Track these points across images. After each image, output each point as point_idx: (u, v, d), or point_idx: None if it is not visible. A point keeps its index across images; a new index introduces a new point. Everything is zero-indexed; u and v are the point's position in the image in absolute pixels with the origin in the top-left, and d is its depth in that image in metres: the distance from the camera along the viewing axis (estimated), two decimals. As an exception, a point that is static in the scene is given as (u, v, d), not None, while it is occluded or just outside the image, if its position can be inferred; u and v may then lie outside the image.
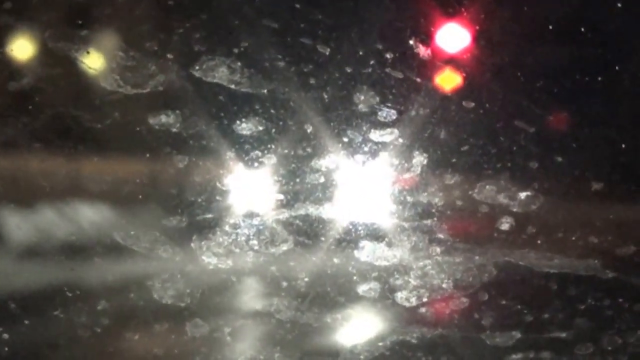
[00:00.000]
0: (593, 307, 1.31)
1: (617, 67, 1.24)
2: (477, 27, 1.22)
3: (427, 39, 1.20)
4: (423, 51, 1.19)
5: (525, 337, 1.30)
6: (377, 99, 1.20)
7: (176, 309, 1.24)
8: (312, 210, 1.21)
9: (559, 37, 1.24)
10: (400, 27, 1.20)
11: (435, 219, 1.23)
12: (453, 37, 1.22)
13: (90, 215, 1.22)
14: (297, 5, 1.19)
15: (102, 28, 1.18)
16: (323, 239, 1.23)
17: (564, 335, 1.31)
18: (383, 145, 1.21)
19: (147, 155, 1.20)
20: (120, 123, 1.19)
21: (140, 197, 1.21)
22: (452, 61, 1.22)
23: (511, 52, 1.22)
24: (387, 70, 1.19)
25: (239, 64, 1.17)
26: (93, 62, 1.18)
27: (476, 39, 1.22)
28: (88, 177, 1.21)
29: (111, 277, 1.24)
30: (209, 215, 1.21)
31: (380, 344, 1.29)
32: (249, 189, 1.21)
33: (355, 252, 1.24)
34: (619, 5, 1.24)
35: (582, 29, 1.24)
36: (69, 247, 1.23)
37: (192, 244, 1.21)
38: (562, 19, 1.24)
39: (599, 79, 1.24)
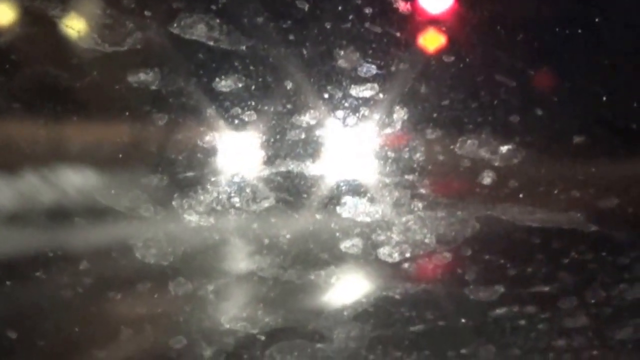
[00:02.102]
0: (576, 261, 1.44)
1: (597, 20, 1.37)
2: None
3: (407, -7, 1.33)
4: (403, 5, 1.33)
5: (508, 292, 1.44)
6: (357, 54, 1.32)
7: (159, 268, 1.37)
8: (293, 167, 1.35)
9: (539, -10, 1.37)
10: (380, -18, 1.33)
11: (416, 174, 1.36)
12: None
13: (70, 175, 1.34)
14: (275, -40, 1.30)
15: (79, -15, 1.29)
16: (305, 195, 1.36)
17: (547, 289, 1.44)
18: (364, 100, 1.34)
19: (127, 113, 1.32)
20: (99, 82, 1.31)
21: (120, 156, 1.33)
22: (433, 15, 1.34)
23: (491, 6, 1.35)
24: (367, 25, 1.32)
25: (218, 20, 1.29)
26: (70, 20, 1.29)
27: (458, -8, 1.36)
28: (67, 136, 1.33)
29: (93, 237, 1.36)
30: (190, 174, 1.33)
31: (364, 300, 1.43)
32: (230, 146, 1.34)
33: (338, 208, 1.37)
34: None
35: (563, -18, 1.38)
36: (49, 208, 1.35)
37: (174, 203, 1.34)
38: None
39: (580, 32, 1.36)
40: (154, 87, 1.30)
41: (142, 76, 1.30)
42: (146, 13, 1.29)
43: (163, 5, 1.30)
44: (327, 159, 1.36)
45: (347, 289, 1.43)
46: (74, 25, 1.29)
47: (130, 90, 1.30)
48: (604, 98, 1.39)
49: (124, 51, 1.29)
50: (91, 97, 1.33)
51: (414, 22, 1.33)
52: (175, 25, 1.29)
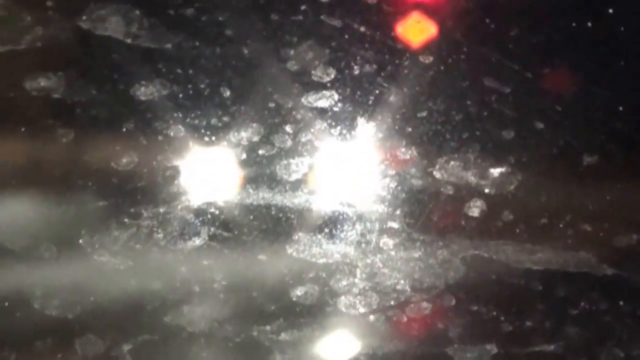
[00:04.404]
0: (587, 313, 1.39)
1: (610, 10, 1.33)
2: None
3: (372, -24, 1.30)
4: None
5: (502, 352, 1.39)
6: (311, 53, 1.28)
7: (63, 322, 1.31)
8: (230, 195, 1.30)
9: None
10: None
11: (386, 203, 1.32)
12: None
13: (-48, 206, 1.30)
14: (207, -64, 1.28)
15: (-37, -30, 1.26)
16: (245, 230, 1.31)
17: (551, 348, 1.40)
18: (320, 112, 1.30)
19: (23, 128, 1.28)
20: (-11, 88, 1.28)
21: (14, 182, 1.29)
22: (404, 4, 1.31)
23: None
24: (323, 17, 1.28)
25: (137, 12, 1.25)
26: (-48, 12, 1.26)
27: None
28: (-51, 156, 1.30)
29: (-20, 283, 1.32)
30: (102, 203, 1.28)
31: (321, 362, 1.40)
32: (152, 169, 1.29)
33: (287, 246, 1.32)
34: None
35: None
36: None
37: (81, 240, 1.29)
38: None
39: (589, 24, 1.33)
40: (57, 95, 1.26)
41: (43, 82, 1.26)
42: (48, 3, 1.25)
43: (69, -7, 1.27)
44: (274, 185, 1.31)
45: (298, 348, 1.38)
46: (-43, 19, 1.26)
47: (29, 99, 1.26)
48: (621, 107, 1.36)
49: (20, 51, 1.26)
50: (-21, 108, 1.30)
51: (380, 10, 1.30)
52: (84, 18, 1.25)
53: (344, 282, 1.34)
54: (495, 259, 1.36)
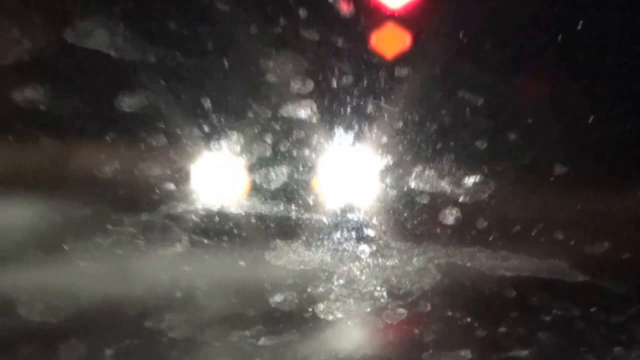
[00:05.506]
0: (560, 319, 1.43)
1: (585, 22, 1.31)
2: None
3: (349, -9, 1.33)
4: (344, 7, 1.30)
5: (477, 358, 1.43)
6: (290, 65, 1.30)
7: (46, 328, 1.35)
8: (210, 202, 1.33)
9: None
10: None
11: (362, 212, 1.35)
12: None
13: None
14: (188, -48, 1.31)
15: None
16: (225, 237, 1.35)
17: (525, 353, 1.44)
18: (297, 122, 1.32)
19: (10, 138, 1.30)
20: (-23, 101, 1.30)
21: (2, 190, 1.31)
22: (381, 17, 1.32)
23: (453, 2, 1.33)
24: (301, 30, 1.30)
25: (122, 26, 1.27)
26: (-59, 26, 1.29)
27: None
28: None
29: (-35, 289, 1.35)
30: (86, 211, 1.32)
31: (298, 367, 1.42)
32: (134, 177, 1.31)
33: (266, 253, 1.36)
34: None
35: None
36: None
37: (66, 246, 1.33)
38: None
39: (564, 36, 1.32)
40: (43, 108, 1.29)
41: (29, 94, 1.28)
42: (35, 18, 1.28)
43: (56, 8, 1.29)
44: (252, 193, 1.34)
45: (277, 353, 1.41)
46: (-53, 33, 1.28)
47: (15, 111, 1.28)
48: (592, 116, 1.36)
49: (7, 65, 1.28)
50: (-33, 119, 1.32)
51: (357, 22, 1.31)
52: (69, 32, 1.27)
53: (322, 289, 1.38)
54: (469, 266, 1.39)
